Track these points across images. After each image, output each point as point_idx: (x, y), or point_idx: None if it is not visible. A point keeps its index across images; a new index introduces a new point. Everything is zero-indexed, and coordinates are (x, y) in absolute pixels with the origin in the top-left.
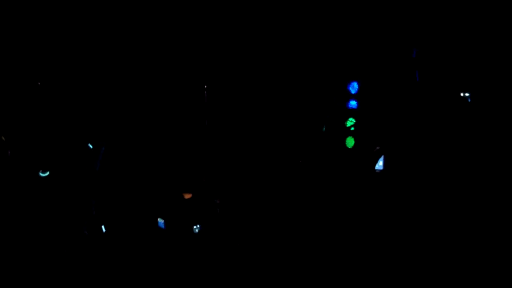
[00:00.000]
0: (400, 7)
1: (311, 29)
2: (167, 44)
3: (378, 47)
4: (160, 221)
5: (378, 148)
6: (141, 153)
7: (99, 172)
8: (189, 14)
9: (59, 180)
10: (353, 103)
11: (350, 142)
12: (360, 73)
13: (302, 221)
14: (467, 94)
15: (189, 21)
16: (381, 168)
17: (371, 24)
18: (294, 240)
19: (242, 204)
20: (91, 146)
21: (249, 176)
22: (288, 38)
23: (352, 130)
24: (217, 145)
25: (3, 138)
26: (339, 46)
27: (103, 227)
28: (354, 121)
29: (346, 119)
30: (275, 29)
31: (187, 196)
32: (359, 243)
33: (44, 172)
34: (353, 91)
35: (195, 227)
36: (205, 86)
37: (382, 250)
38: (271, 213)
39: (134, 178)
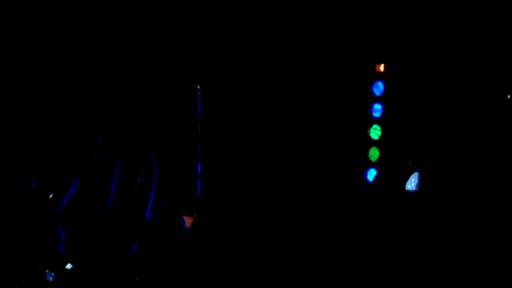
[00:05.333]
0: None
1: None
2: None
3: (407, 37)
4: None
5: (410, 163)
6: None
7: None
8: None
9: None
10: (377, 107)
11: (374, 154)
12: (386, 71)
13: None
14: None
15: (189, 19)
16: (414, 188)
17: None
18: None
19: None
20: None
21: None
22: (296, 22)
23: (376, 140)
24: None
25: None
26: (358, 33)
27: None
28: (379, 129)
29: (369, 126)
30: (286, 14)
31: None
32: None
33: None
34: (377, 93)
35: None
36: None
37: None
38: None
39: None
